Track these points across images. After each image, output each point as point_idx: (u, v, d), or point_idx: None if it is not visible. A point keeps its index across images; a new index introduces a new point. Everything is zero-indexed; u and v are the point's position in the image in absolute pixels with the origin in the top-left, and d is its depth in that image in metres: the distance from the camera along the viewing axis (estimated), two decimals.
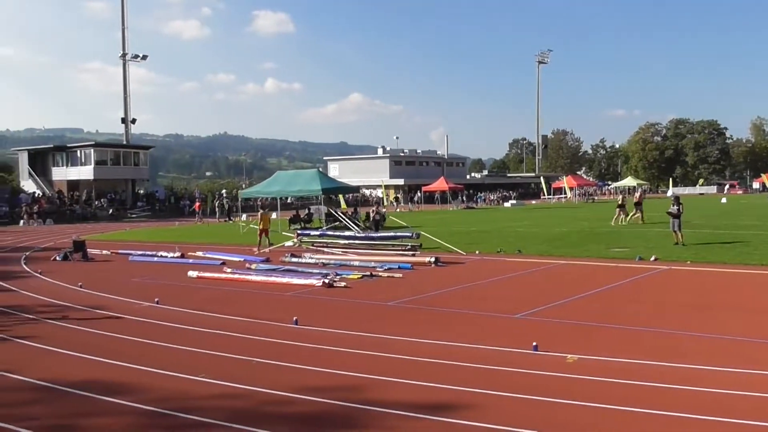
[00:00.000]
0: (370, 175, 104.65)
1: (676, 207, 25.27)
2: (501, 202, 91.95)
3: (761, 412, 7.68)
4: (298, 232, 29.20)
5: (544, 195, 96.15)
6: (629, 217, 37.49)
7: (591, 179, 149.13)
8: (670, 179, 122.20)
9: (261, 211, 29.79)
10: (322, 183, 39.22)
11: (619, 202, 38.41)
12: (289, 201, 79.68)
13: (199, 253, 26.60)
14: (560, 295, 15.07)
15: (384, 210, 63.00)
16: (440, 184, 79.86)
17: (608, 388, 8.59)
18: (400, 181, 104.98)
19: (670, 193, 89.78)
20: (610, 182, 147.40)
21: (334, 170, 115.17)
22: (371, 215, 29.08)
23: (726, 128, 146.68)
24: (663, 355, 9.91)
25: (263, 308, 14.62)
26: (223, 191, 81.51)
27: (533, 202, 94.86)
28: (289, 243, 28.43)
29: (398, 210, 73.34)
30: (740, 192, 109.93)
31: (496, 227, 38.80)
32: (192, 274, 20.19)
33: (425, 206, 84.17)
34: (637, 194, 39.27)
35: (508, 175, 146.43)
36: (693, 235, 27.61)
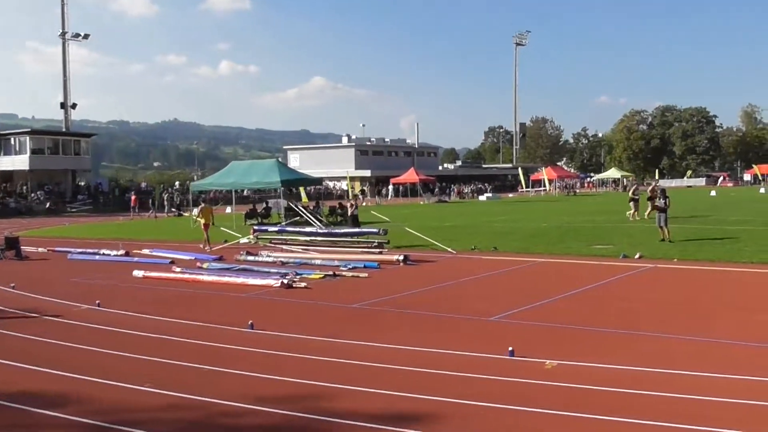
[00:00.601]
0: (334, 166, 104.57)
1: (662, 200, 25.58)
2: (476, 195, 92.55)
3: (750, 421, 7.79)
4: (255, 227, 29.07)
5: (521, 188, 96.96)
6: (647, 212, 36.03)
7: (572, 171, 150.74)
8: (657, 170, 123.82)
9: (202, 204, 29.72)
10: (281, 174, 39.10)
11: (632, 195, 37.65)
12: (245, 194, 79.20)
13: (146, 251, 26.37)
14: (539, 295, 15.20)
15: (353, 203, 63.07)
16: (410, 176, 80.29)
17: (590, 395, 8.65)
18: (367, 173, 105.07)
19: (654, 185, 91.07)
20: (592, 174, 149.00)
21: (295, 160, 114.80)
22: (349, 210, 29.02)
23: (716, 116, 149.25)
24: (648, 359, 10.02)
25: (216, 311, 14.53)
26: (176, 184, 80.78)
27: (510, 195, 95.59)
28: (244, 240, 28.30)
29: (364, 204, 73.33)
30: (730, 184, 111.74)
31: (470, 222, 38.99)
32: (137, 273, 20.03)
33: (394, 200, 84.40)
34: (650, 188, 37.85)
35: (484, 165, 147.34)
36: (680, 231, 28.02)
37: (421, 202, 74.41)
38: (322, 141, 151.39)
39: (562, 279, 17.75)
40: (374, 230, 25.02)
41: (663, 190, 26.57)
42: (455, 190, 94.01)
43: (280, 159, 53.94)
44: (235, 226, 37.77)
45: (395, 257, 21.53)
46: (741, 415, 7.91)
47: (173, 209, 55.79)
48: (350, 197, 76.82)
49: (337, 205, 45.79)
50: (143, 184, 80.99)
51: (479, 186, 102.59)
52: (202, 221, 27.92)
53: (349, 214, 28.85)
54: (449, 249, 24.17)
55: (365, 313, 13.94)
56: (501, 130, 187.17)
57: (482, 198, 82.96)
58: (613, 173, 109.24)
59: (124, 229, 41.27)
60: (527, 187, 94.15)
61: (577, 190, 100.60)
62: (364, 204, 72.05)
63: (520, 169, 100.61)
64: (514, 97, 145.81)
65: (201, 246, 27.23)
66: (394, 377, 9.56)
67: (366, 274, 19.09)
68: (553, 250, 23.85)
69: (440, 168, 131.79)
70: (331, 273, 19.21)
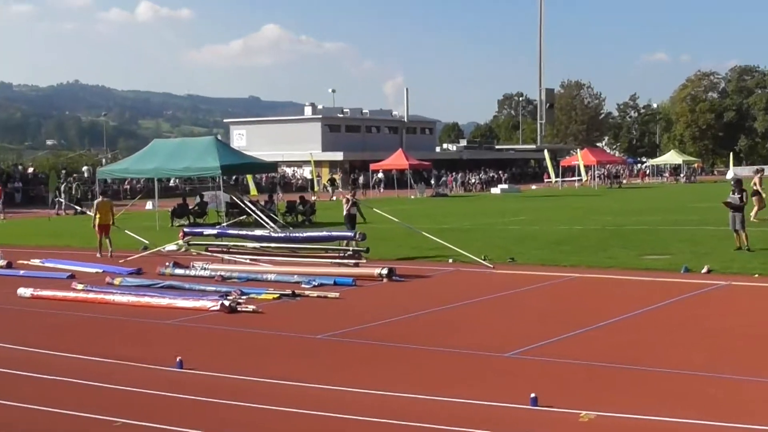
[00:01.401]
0: (294, 146, 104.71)
1: (737, 195, 25.60)
2: (486, 186, 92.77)
3: None
4: (185, 230, 28.95)
5: (548, 177, 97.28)
6: (753, 212, 34.89)
7: (617, 154, 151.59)
8: (731, 154, 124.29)
9: (99, 198, 29.66)
10: (221, 157, 38.97)
11: (756, 187, 36.07)
12: (172, 184, 79.01)
13: (36, 261, 26.20)
14: (569, 323, 15.25)
15: (314, 199, 63.09)
16: (397, 160, 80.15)
17: None
18: (338, 155, 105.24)
19: (730, 174, 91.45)
20: (644, 158, 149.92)
21: (240, 138, 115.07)
22: (344, 207, 28.82)
23: None
24: (717, 410, 10.04)
25: (132, 344, 14.47)
26: (85, 170, 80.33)
27: (533, 186, 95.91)
28: (171, 246, 28.16)
29: (334, 198, 73.32)
30: None
31: (478, 224, 39.05)
32: (23, 292, 19.89)
33: (375, 192, 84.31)
34: (756, 178, 36.28)
35: (497, 147, 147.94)
36: (763, 236, 28.23)
37: (412, 197, 74.47)
38: (278, 113, 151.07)
39: (601, 301, 17.82)
40: (348, 233, 24.99)
41: (738, 181, 26.52)
42: (458, 179, 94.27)
43: (219, 137, 53.82)
44: (159, 228, 37.65)
45: (376, 271, 21.55)
46: None
47: (72, 205, 55.44)
48: (315, 189, 77.07)
49: (298, 200, 45.76)
50: (30, 169, 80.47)
51: (491, 175, 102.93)
52: (96, 221, 28.28)
53: (344, 212, 28.54)
54: (483, 260, 24.17)
55: (333, 347, 13.92)
56: (521, 99, 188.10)
57: (495, 191, 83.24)
58: (671, 158, 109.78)
59: (4, 232, 41.00)
60: (556, 176, 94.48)
61: (624, 181, 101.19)
62: (333, 199, 72.13)
63: (546, 151, 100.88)
64: (539, 55, 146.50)
65: (98, 255, 27.52)
66: None
67: (336, 294, 19.07)
68: (589, 261, 23.97)
69: (438, 149, 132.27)
70: (288, 292, 19.18)
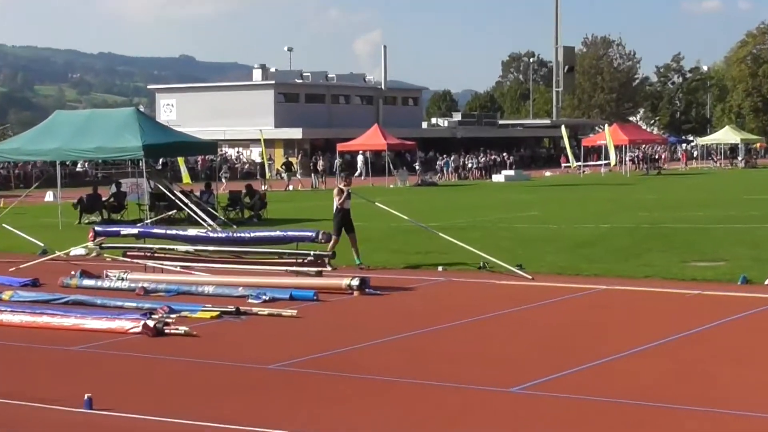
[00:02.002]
0: (239, 121, 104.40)
1: None
2: (486, 173, 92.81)
3: None
4: (97, 229, 28.84)
5: (567, 161, 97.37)
6: None
7: (655, 131, 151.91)
8: None
9: None
10: (143, 135, 38.76)
11: None
12: (79, 168, 78.78)
13: None
14: (592, 350, 15.34)
15: (265, 189, 62.67)
16: (372, 139, 79.90)
17: None
18: (296, 132, 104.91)
19: None
20: (690, 137, 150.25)
21: (169, 111, 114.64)
22: (335, 201, 27.95)
23: None
24: None
25: (26, 376, 14.43)
26: None
27: (547, 173, 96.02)
28: (78, 250, 28.06)
29: (290, 188, 73.17)
30: None
31: (477, 221, 39.06)
32: None
33: (356, 181, 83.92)
34: None
35: (501, 122, 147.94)
36: None
37: (391, 186, 74.33)
38: (218, 77, 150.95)
39: (633, 321, 17.93)
40: (308, 232, 24.87)
41: None
42: (451, 164, 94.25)
43: (142, 108, 53.72)
44: (62, 226, 37.47)
45: (344, 282, 21.54)
46: None
47: None
48: (267, 176, 76.57)
49: (244, 190, 45.55)
50: None
51: (493, 158, 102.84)
52: None
53: (334, 208, 27.83)
54: (518, 270, 23.98)
55: (288, 380, 13.93)
56: (531, 61, 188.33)
57: (498, 178, 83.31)
58: (726, 135, 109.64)
59: None
60: (576, 159, 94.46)
61: (664, 166, 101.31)
62: (290, 188, 72.07)
63: (564, 128, 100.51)
64: (555, 5, 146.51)
65: None
66: None
67: (293, 312, 19.09)
68: (619, 269, 24.09)
69: (425, 126, 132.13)
70: (232, 309, 19.19)
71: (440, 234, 27.87)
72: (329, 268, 23.49)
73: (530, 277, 23.34)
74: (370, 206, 29.89)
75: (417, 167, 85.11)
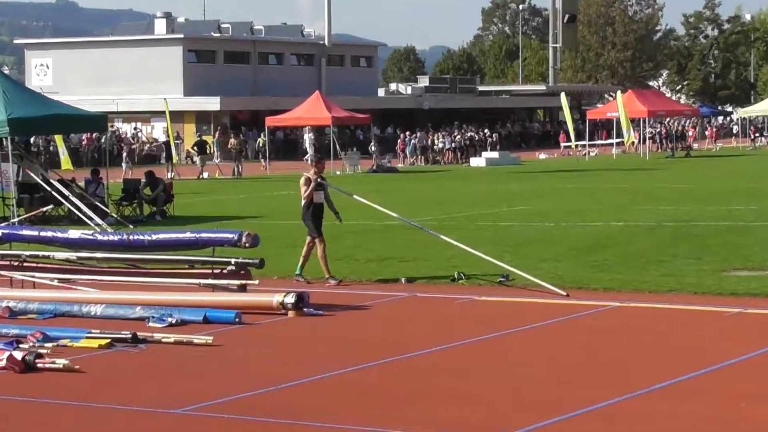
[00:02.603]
0: (136, 87, 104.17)
1: None
2: (462, 156, 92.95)
3: None
4: None
5: (567, 139, 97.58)
6: None
7: (683, 100, 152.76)
8: None
9: None
10: (7, 105, 38.65)
11: None
12: None
13: None
14: (601, 388, 15.27)
15: (171, 177, 62.48)
16: (312, 111, 79.78)
17: None
18: (212, 102, 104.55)
19: None
20: (730, 107, 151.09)
21: (42, 73, 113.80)
22: (303, 192, 27.62)
23: None
24: None
25: None
26: None
27: (541, 155, 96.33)
28: None
29: (205, 176, 73.11)
30: None
31: (450, 219, 39.17)
32: None
33: (277, 163, 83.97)
34: None
35: (482, 89, 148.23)
36: None
37: (338, 172, 74.36)
38: (107, 29, 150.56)
39: (657, 348, 17.91)
40: (228, 234, 24.73)
41: None
42: (416, 144, 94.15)
43: (6, 69, 53.48)
44: None
45: (276, 298, 21.44)
46: None
47: None
48: (174, 160, 76.25)
49: (144, 179, 45.44)
50: None
51: (471, 135, 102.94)
52: None
53: (303, 200, 27.50)
54: (552, 287, 23.70)
55: (199, 428, 13.92)
56: (521, 9, 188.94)
57: (478, 162, 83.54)
58: None
59: None
60: (580, 138, 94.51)
61: (695, 145, 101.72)
62: (204, 176, 72.10)
63: (564, 96, 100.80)
64: None
65: None
66: None
67: (208, 338, 18.97)
68: (637, 281, 24.12)
69: (382, 93, 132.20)
70: (127, 335, 19.08)
71: (441, 236, 27.62)
72: (256, 282, 23.31)
73: (565, 293, 22.99)
74: (346, 201, 29.69)
75: (372, 148, 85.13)
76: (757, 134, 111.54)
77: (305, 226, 26.71)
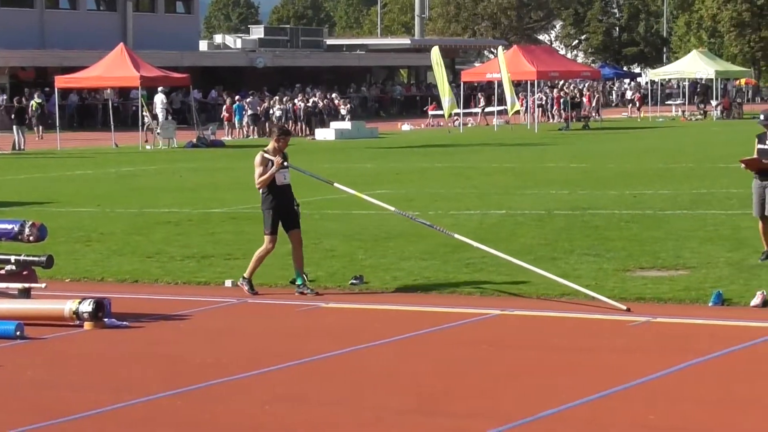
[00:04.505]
0: None
1: None
2: (307, 126, 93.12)
3: None
4: None
5: (436, 107, 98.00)
6: None
7: (580, 59, 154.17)
8: None
9: None
10: None
11: None
12: None
13: None
14: (479, 411, 15.42)
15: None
16: (115, 69, 79.49)
17: None
18: None
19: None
20: (638, 68, 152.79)
21: None
22: (259, 173, 26.92)
23: None
24: None
25: None
26: None
27: (404, 126, 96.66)
28: None
29: None
30: None
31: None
32: None
33: (70, 134, 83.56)
34: None
35: (330, 42, 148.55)
36: None
37: (147, 146, 74.22)
38: None
39: (544, 366, 18.09)
40: (6, 225, 24.57)
41: None
42: (247, 110, 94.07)
43: None
44: None
45: (68, 307, 21.28)
46: None
47: None
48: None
49: None
50: None
51: (315, 102, 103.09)
52: None
53: (258, 186, 26.66)
54: (612, 302, 23.30)
55: None
56: None
57: (325, 134, 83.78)
58: (693, 66, 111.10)
59: None
60: (453, 106, 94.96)
61: (594, 115, 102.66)
62: None
63: (435, 52, 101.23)
64: None
65: None
66: None
67: None
68: (521, 283, 24.35)
69: (205, 47, 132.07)
70: None
71: (455, 236, 27.30)
72: (43, 285, 23.19)
73: (625, 308, 22.31)
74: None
75: (193, 117, 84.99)
76: (678, 101, 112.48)
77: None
